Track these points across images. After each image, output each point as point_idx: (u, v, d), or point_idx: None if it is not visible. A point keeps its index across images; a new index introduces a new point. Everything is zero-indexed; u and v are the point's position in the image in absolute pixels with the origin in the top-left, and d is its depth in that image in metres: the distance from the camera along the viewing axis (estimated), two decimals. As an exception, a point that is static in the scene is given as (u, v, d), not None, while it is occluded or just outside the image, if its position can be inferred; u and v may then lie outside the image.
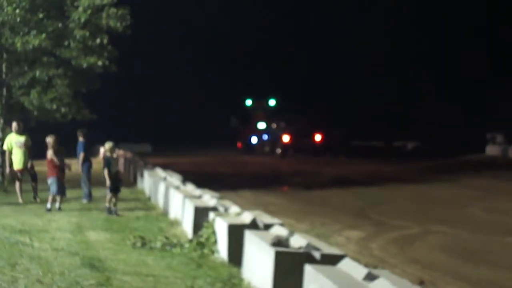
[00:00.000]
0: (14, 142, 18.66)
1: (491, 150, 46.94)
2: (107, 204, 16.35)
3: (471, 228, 16.47)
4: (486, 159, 43.45)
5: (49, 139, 17.17)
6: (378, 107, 60.25)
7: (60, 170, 17.04)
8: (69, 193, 18.45)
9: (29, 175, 18.75)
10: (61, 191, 16.93)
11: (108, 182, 16.44)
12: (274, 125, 54.65)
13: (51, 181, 16.88)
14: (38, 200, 18.21)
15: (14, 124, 19.06)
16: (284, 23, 65.38)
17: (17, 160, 18.60)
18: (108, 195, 16.41)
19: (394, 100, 59.83)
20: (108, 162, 16.56)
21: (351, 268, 7.32)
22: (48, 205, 16.57)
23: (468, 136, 50.87)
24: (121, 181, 17.48)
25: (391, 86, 60.27)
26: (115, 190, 16.47)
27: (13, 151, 18.66)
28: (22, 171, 18.60)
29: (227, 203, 13.73)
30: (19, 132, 18.86)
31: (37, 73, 22.47)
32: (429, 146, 53.18)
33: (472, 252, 13.63)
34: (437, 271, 11.77)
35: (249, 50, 67.23)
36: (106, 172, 16.49)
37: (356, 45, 62.84)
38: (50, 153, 17.00)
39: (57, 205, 16.73)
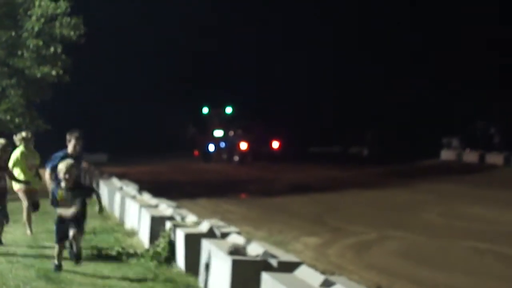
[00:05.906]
0: None
1: (446, 155, 47.23)
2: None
3: (427, 233, 16.63)
4: (441, 164, 43.87)
5: None
6: (334, 114, 60.52)
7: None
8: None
9: None
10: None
11: None
12: (231, 133, 54.54)
13: None
14: None
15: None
16: (238, 29, 65.41)
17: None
18: None
19: (350, 106, 60.19)
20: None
21: (308, 275, 7.34)
22: None
23: (424, 141, 51.23)
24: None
25: (346, 92, 60.60)
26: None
27: None
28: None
29: (184, 212, 13.69)
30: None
31: (-10, 83, 22.27)
32: (385, 152, 53.50)
33: (428, 257, 13.77)
34: (394, 276, 11.87)
35: (206, 57, 67.15)
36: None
37: (312, 50, 63.06)
38: None
39: None
